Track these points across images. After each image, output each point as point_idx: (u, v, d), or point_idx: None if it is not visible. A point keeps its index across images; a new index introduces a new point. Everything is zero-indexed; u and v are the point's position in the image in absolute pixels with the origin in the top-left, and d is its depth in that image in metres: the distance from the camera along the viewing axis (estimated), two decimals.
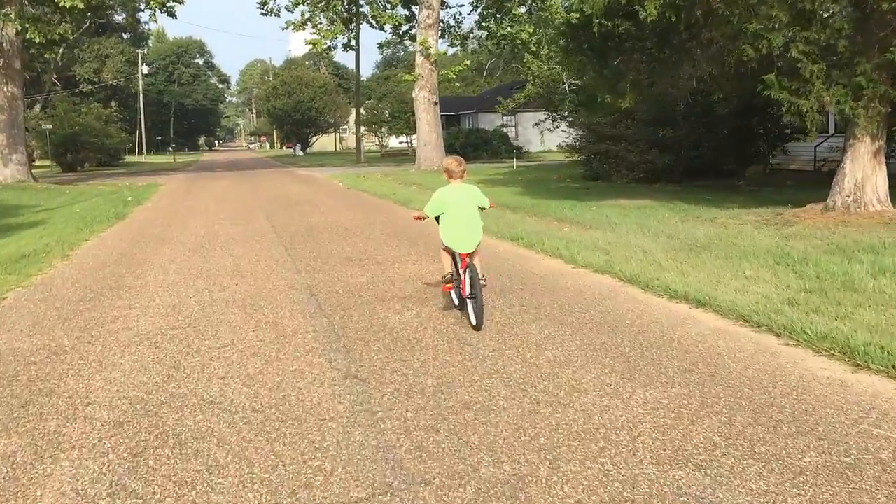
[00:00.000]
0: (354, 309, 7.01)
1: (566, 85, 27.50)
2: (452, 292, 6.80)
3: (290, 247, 11.28)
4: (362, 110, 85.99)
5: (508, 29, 30.03)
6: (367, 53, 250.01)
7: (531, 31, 29.59)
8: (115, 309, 7.29)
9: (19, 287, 8.53)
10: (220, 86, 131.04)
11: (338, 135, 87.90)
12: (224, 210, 17.44)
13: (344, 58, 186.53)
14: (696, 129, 18.79)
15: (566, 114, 28.16)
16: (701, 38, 11.92)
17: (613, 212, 14.02)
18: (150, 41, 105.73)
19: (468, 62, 30.57)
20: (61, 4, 24.58)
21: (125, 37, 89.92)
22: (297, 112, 68.79)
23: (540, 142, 53.11)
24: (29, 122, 51.61)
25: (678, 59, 12.54)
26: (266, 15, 31.67)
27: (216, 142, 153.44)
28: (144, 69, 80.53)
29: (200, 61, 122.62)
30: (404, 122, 77.56)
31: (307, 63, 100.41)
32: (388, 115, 75.50)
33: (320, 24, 30.92)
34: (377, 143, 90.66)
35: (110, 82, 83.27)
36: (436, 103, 30.99)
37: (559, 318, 6.47)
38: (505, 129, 49.94)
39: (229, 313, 6.98)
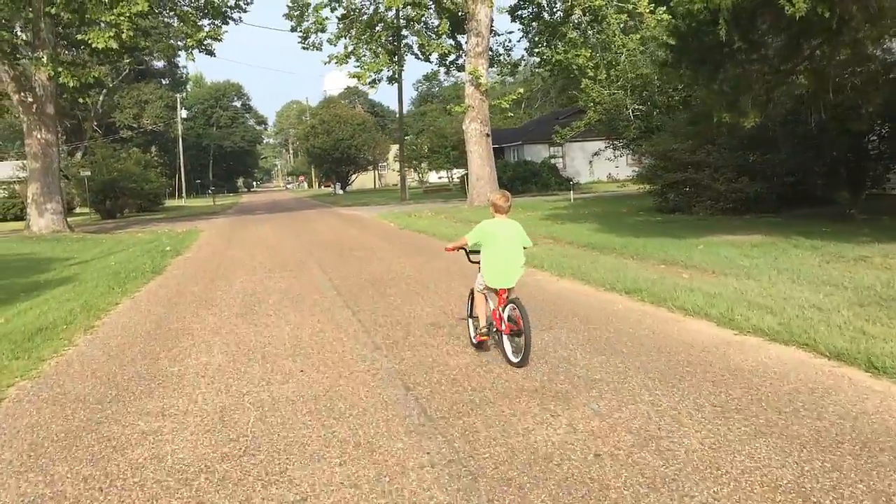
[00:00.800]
0: (475, 415, 4.96)
1: (630, 111, 25.48)
2: (472, 330, 6.78)
3: (357, 308, 9.32)
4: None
5: (563, 55, 28.17)
6: (404, 89, 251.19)
7: (588, 55, 27.71)
8: (142, 418, 5.34)
9: (25, 379, 6.66)
10: (258, 127, 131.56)
11: (377, 172, 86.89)
12: (271, 259, 15.61)
13: (380, 95, 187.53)
14: (802, 152, 16.57)
15: (629, 142, 26.12)
16: (841, 40, 9.82)
17: (730, 252, 11.86)
18: (188, 86, 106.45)
19: (521, 90, 28.69)
20: (95, 45, 23.32)
21: (164, 82, 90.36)
22: (336, 150, 67.76)
23: (589, 172, 51.13)
24: (70, 170, 51.09)
25: (810, 68, 10.44)
26: (307, 49, 30.24)
27: (254, 183, 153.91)
28: (183, 113, 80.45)
29: (238, 104, 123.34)
30: (444, 156, 76.27)
31: (343, 102, 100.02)
32: (427, 150, 74.37)
33: (364, 56, 29.36)
34: (417, 178, 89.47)
35: (150, 127, 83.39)
36: (488, 135, 29.12)
37: (791, 433, 4.34)
38: (553, 161, 47.98)
39: (299, 426, 4.98)
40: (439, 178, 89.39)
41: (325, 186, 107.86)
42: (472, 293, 6.79)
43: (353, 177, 75.65)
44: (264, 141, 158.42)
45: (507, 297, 6.25)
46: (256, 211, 41.78)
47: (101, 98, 77.19)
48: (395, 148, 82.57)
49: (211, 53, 28.56)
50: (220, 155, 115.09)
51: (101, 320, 9.57)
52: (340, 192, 69.10)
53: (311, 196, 69.25)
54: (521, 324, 5.87)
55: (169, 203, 63.36)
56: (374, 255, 15.36)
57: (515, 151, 52.75)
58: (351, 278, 12.00)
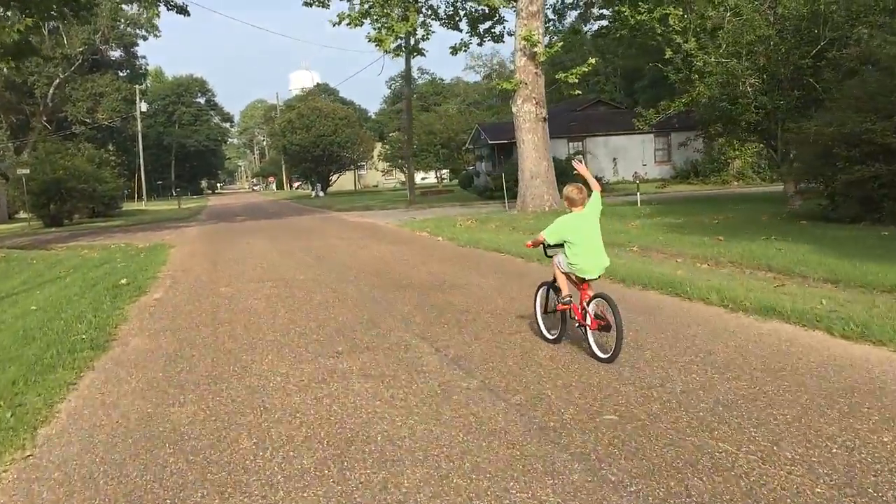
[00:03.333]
0: None
1: (746, 85, 19.06)
2: (543, 325, 6.63)
3: None
4: (384, 145, 77.74)
5: (646, 14, 21.75)
6: (375, 87, 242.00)
7: (679, 13, 21.26)
8: None
9: None
10: (224, 124, 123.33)
11: (356, 172, 79.81)
12: (310, 313, 8.82)
13: (352, 93, 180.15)
14: None
15: (750, 126, 19.60)
16: None
17: None
18: (147, 81, 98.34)
19: (593, 60, 22.03)
20: None
21: (121, 74, 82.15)
22: (316, 147, 60.48)
23: (612, 171, 44.71)
24: (10, 169, 43.47)
25: None
26: (309, 5, 23.38)
27: (218, 185, 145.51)
28: (143, 106, 72.52)
29: (202, 100, 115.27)
30: (433, 155, 69.83)
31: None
32: (415, 147, 67.91)
33: (383, 19, 22.36)
34: (403, 179, 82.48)
35: (106, 123, 75.31)
36: (545, 119, 22.54)
37: None
38: (579, 158, 41.58)
39: None
40: (422, 178, 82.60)
41: (298, 188, 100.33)
42: (540, 287, 6.72)
43: (335, 177, 68.41)
44: (229, 141, 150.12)
45: (591, 293, 6.04)
46: (235, 217, 34.58)
47: (50, 90, 69.14)
48: (379, 146, 75.71)
49: (183, 11, 21.60)
50: (183, 155, 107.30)
51: None
52: (321, 194, 61.94)
53: (289, 198, 61.88)
54: (609, 319, 5.71)
55: (127, 207, 55.78)
56: (490, 301, 8.68)
57: None
58: (527, 378, 5.34)
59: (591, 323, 5.89)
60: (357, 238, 18.84)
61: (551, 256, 6.45)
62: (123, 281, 12.40)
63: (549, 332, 6.55)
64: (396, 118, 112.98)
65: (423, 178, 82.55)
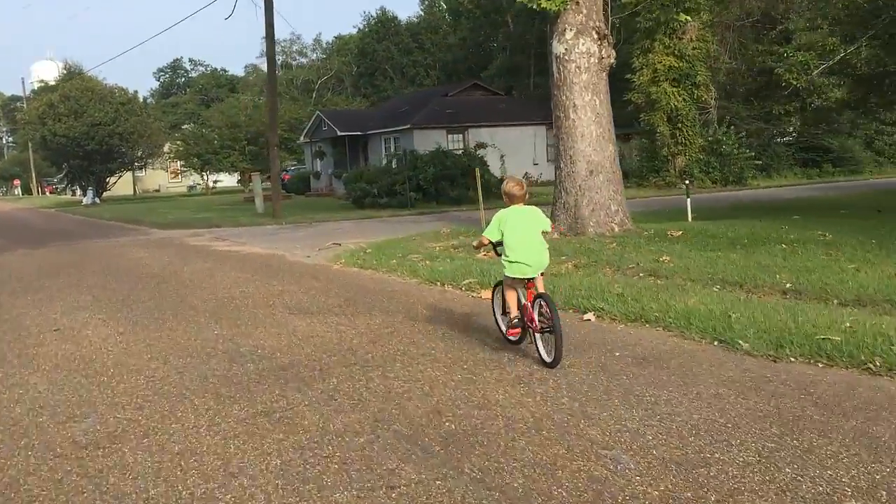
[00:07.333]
0: None
1: None
2: (504, 328, 6.18)
3: None
4: (176, 143, 63.69)
5: None
6: (141, 79, 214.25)
7: None
8: None
9: None
10: None
11: (134, 175, 64.84)
12: None
13: (118, 76, 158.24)
14: None
15: None
16: None
17: None
18: None
19: None
20: None
21: None
22: (90, 139, 45.87)
23: (500, 169, 35.86)
24: None
25: None
26: None
27: None
28: None
29: None
30: (238, 152, 57.36)
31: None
32: (216, 143, 55.31)
33: None
34: (198, 182, 68.83)
35: None
36: (611, 66, 12.87)
37: None
38: (481, 154, 32.22)
39: None
40: (216, 182, 69.33)
41: (49, 192, 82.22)
42: (497, 286, 6.39)
43: (114, 179, 53.52)
44: None
45: (536, 292, 5.73)
46: None
47: None
48: (168, 143, 61.62)
49: None
50: None
51: None
52: (97, 200, 47.47)
53: (53, 207, 46.38)
54: (551, 320, 5.39)
55: None
56: None
57: (394, 142, 36.17)
58: None
59: (535, 325, 5.61)
60: (354, 314, 8.04)
61: (505, 257, 5.88)
62: None
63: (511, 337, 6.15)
64: (172, 112, 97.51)
65: (216, 182, 69.31)
